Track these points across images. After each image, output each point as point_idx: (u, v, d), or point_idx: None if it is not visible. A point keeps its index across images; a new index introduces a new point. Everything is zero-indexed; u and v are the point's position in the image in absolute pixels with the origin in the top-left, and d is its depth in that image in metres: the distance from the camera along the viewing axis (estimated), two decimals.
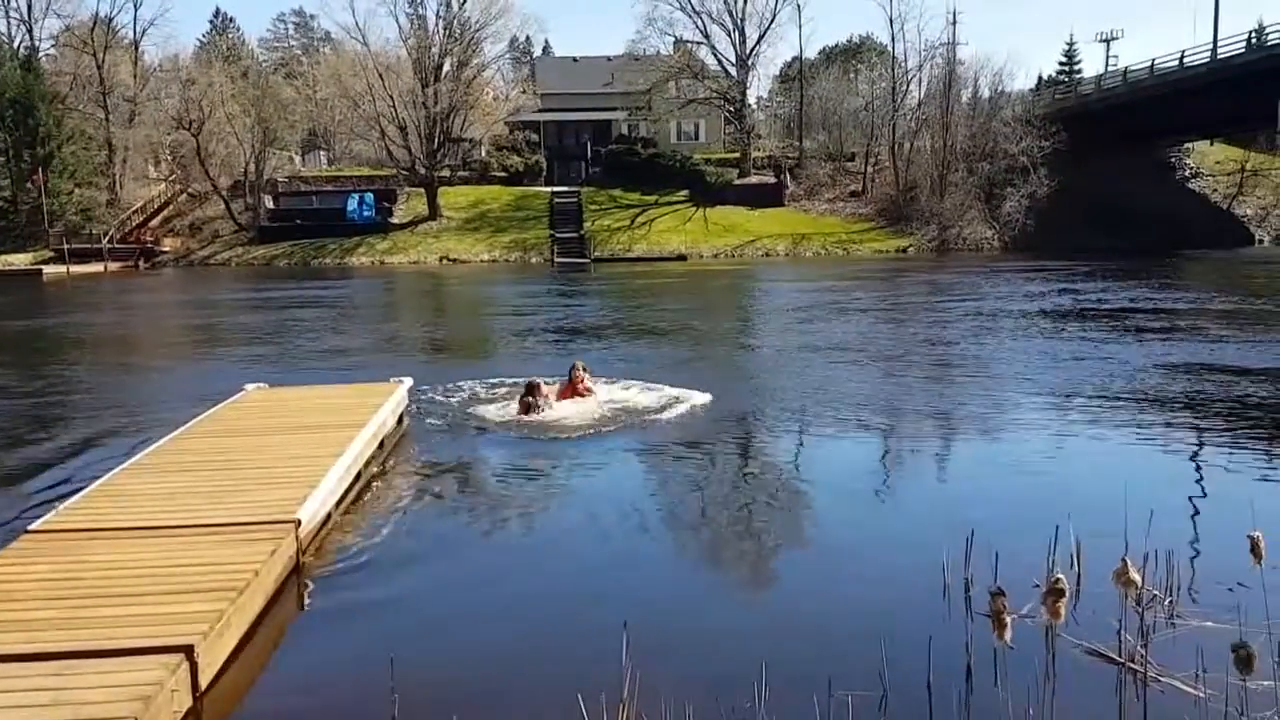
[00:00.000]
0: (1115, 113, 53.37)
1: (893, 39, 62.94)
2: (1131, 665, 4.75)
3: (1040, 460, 9.27)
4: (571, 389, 11.15)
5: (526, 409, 10.77)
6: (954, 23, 60.18)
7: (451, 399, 12.11)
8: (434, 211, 55.98)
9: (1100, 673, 4.80)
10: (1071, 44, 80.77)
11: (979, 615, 5.29)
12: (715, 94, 61.98)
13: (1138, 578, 4.53)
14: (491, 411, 11.19)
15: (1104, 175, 52.02)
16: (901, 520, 7.58)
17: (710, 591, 6.32)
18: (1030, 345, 16.79)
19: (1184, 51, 48.90)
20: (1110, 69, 64.50)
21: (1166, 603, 5.43)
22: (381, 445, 9.55)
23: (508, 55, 79.87)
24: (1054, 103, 59.34)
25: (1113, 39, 72.17)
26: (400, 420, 10.71)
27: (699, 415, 10.74)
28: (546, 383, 11.24)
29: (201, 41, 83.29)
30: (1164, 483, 8.42)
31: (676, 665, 5.01)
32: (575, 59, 71.80)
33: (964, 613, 5.45)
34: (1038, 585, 5.31)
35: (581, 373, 11.32)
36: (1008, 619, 4.31)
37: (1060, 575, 4.43)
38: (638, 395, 11.61)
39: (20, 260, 52.23)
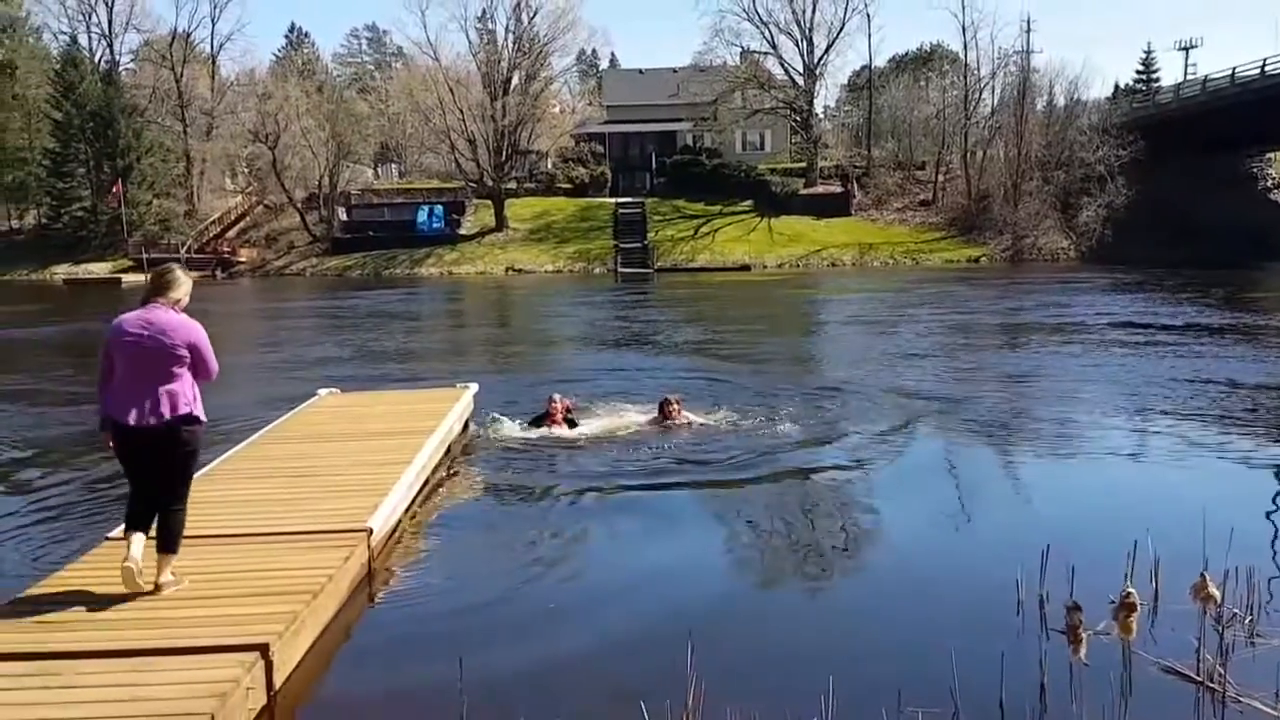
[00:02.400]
0: (1195, 122, 51.94)
1: (965, 47, 62.18)
2: (1210, 684, 4.61)
3: (1118, 475, 9.06)
4: (663, 418, 10.71)
5: (540, 423, 10.59)
6: (1028, 30, 59.25)
7: (516, 406, 12.19)
8: (500, 223, 56.62)
9: (1178, 692, 4.66)
10: (1149, 52, 78.71)
11: (1054, 632, 5.18)
12: (782, 104, 61.74)
13: (1217, 593, 4.41)
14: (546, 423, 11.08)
15: (1183, 185, 50.67)
16: (974, 535, 7.46)
17: (777, 603, 6.28)
18: (1108, 358, 16.42)
19: (1265, 59, 47.48)
20: (1189, 77, 62.85)
21: (1246, 621, 5.27)
22: (448, 451, 9.68)
23: (575, 68, 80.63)
24: (1131, 111, 57.99)
25: (1192, 47, 70.37)
26: (466, 426, 10.86)
27: (767, 432, 10.59)
28: (563, 402, 10.88)
29: (277, 56, 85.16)
30: (1245, 500, 8.15)
31: (742, 676, 4.98)
32: (641, 71, 72.05)
33: (1038, 629, 5.34)
34: (1114, 601, 5.20)
35: (675, 406, 10.78)
36: (1084, 634, 4.22)
37: (1132, 590, 4.32)
38: (704, 416, 11.26)
39: (100, 269, 53.99)
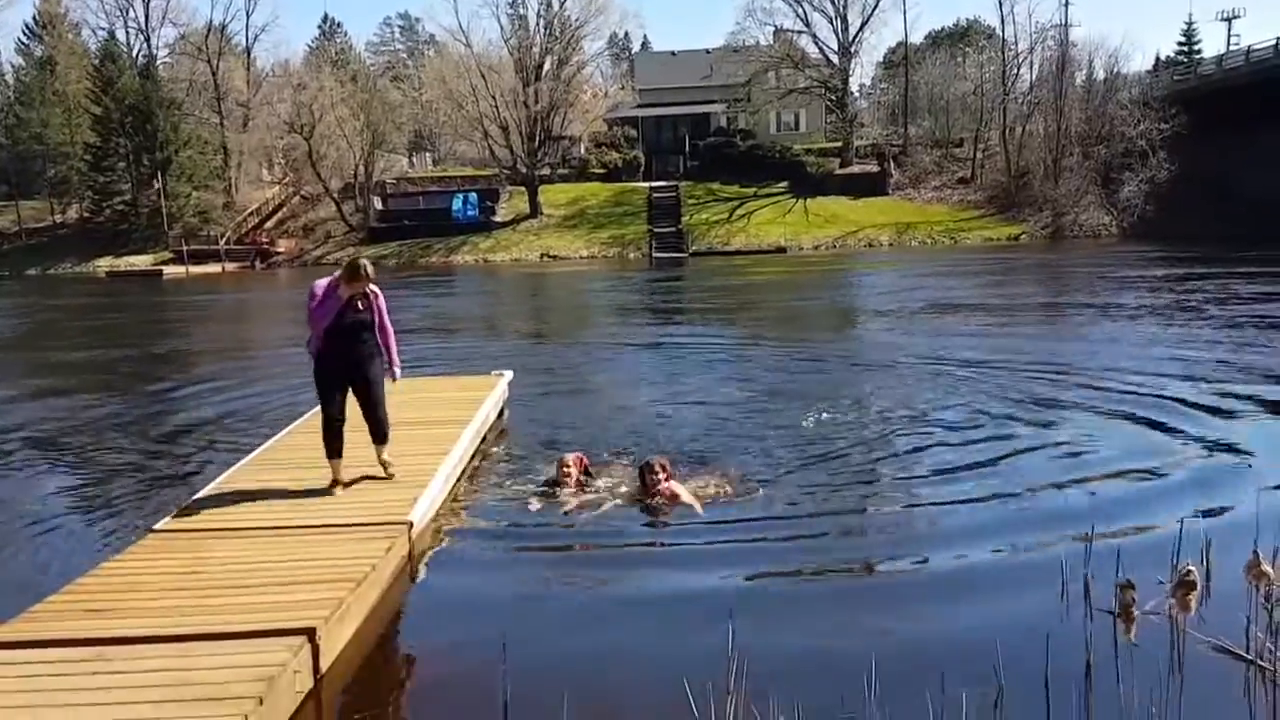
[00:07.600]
0: (1238, 94, 50.71)
1: (1002, 21, 61.18)
2: (1260, 663, 4.54)
3: (1164, 455, 8.87)
4: (646, 493, 7.82)
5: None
6: (1066, 4, 58.03)
7: (548, 394, 12.22)
8: (535, 209, 56.71)
9: (1227, 670, 4.60)
10: (1190, 24, 77.63)
11: (1099, 613, 5.13)
12: (816, 83, 61.22)
13: (1270, 571, 4.33)
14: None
15: (1227, 159, 49.60)
16: (1018, 516, 7.33)
17: (819, 585, 6.23)
18: (1155, 336, 16.15)
19: None
20: (1232, 49, 61.46)
21: None
22: (484, 439, 9.71)
23: (607, 52, 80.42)
24: (1173, 84, 56.80)
25: (1234, 18, 68.74)
26: (501, 413, 10.89)
27: (807, 429, 10.41)
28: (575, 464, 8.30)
29: (311, 47, 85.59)
30: None
31: (784, 657, 4.98)
32: (674, 53, 71.62)
33: (1083, 610, 5.27)
34: (1162, 582, 5.14)
35: (657, 474, 7.73)
36: (1135, 613, 4.17)
37: (1192, 567, 4.27)
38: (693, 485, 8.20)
39: (141, 261, 54.74)
